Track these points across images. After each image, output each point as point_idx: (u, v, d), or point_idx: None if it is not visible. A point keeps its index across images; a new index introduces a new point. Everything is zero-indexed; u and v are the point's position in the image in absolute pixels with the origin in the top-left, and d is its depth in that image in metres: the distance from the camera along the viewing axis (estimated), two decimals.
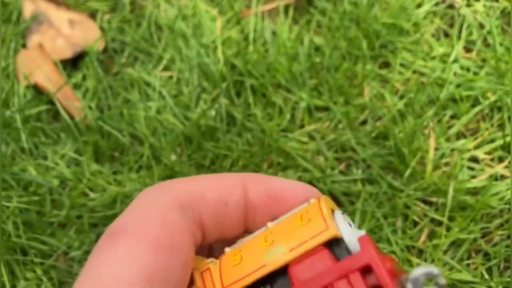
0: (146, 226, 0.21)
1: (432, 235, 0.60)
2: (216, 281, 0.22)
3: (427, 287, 0.20)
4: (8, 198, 0.61)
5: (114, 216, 0.61)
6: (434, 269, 0.20)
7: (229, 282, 0.22)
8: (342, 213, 0.23)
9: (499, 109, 0.68)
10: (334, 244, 0.21)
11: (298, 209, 0.23)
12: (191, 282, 0.22)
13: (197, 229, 0.22)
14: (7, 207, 0.60)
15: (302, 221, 0.22)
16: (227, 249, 0.23)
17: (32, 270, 0.58)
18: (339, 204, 0.62)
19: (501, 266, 0.58)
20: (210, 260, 0.23)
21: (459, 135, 0.67)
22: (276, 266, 0.21)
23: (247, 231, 0.24)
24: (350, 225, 0.22)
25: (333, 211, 0.23)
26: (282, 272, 0.21)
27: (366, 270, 0.20)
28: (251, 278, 0.21)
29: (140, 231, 0.21)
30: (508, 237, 0.59)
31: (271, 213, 0.24)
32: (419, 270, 0.20)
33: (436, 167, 0.64)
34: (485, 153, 0.65)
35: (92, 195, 0.63)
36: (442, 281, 0.20)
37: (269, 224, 0.23)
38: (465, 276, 0.57)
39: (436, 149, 0.65)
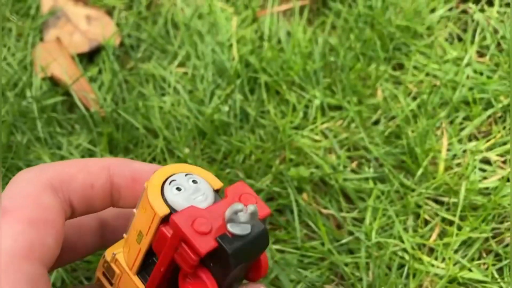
0: (24, 206, 0.25)
1: (443, 234, 0.60)
2: (124, 265, 0.30)
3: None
4: None
5: None
6: (237, 205, 0.25)
7: (130, 264, 0.29)
8: (171, 182, 0.27)
9: None
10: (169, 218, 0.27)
11: (140, 198, 0.28)
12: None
13: (67, 207, 0.27)
14: None
15: (144, 210, 0.27)
16: (124, 237, 0.31)
17: None
18: (350, 201, 0.62)
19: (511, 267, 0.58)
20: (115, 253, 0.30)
21: (471, 137, 0.68)
22: (146, 249, 0.28)
23: (115, 206, 0.31)
24: (180, 189, 0.27)
25: (165, 182, 0.27)
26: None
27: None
28: (139, 259, 0.29)
29: (19, 210, 0.24)
30: None
31: (135, 193, 0.29)
32: (227, 212, 0.26)
33: (448, 167, 0.64)
34: (497, 155, 0.66)
35: None
36: (250, 209, 0.25)
37: (134, 211, 0.29)
38: (476, 275, 0.57)
39: (448, 149, 0.66)
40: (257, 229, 0.26)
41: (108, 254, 0.30)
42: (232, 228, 0.25)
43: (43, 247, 0.24)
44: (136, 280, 0.29)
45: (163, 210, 0.27)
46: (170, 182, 0.27)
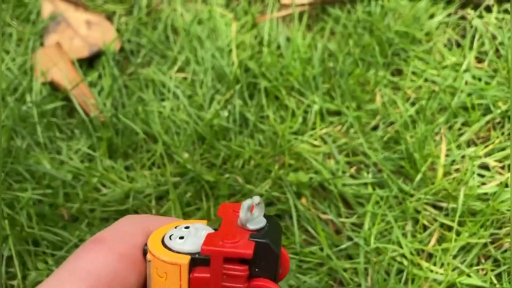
0: (120, 241, 0.27)
1: (442, 240, 0.60)
2: None
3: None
4: (22, 190, 0.62)
5: (126, 210, 0.61)
6: (247, 202, 0.26)
7: None
8: (170, 237, 0.28)
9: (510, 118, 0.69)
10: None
11: (149, 273, 0.28)
12: None
13: None
14: (22, 198, 0.60)
15: (164, 277, 0.27)
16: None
17: (43, 261, 0.58)
18: (349, 206, 0.63)
19: (511, 272, 0.58)
20: None
21: (470, 143, 0.68)
22: None
23: None
24: (182, 237, 0.28)
25: (163, 239, 0.28)
26: None
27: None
28: None
29: (115, 243, 0.27)
30: None
31: None
32: (242, 214, 0.27)
33: (446, 173, 0.64)
34: (496, 161, 0.66)
35: (104, 190, 0.63)
36: (257, 201, 0.27)
37: None
38: (475, 281, 0.57)
39: (447, 155, 0.66)
40: (268, 217, 0.27)
41: None
42: (253, 226, 0.26)
43: (124, 280, 0.26)
44: None
45: (185, 258, 0.26)
46: (170, 237, 0.28)
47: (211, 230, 0.28)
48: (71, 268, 0.26)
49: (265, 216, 0.28)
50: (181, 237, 0.27)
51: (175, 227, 0.28)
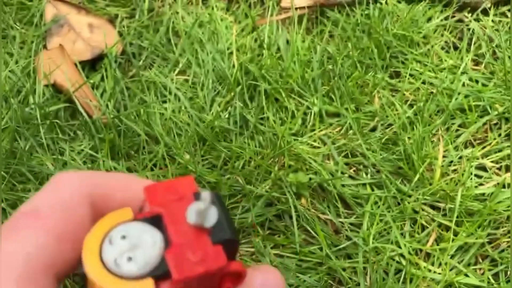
0: (57, 215, 0.22)
1: (439, 240, 0.61)
2: None
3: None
4: (26, 190, 0.63)
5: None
6: (200, 204, 0.22)
7: None
8: (111, 257, 0.22)
9: (507, 120, 0.70)
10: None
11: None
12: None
13: (94, 222, 0.24)
14: (25, 198, 0.61)
15: None
16: None
17: None
18: (348, 207, 0.63)
19: (508, 272, 0.59)
20: None
21: (467, 144, 0.69)
22: None
23: None
24: (124, 236, 0.22)
25: (102, 243, 0.23)
26: None
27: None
28: None
29: (51, 218, 0.22)
30: None
31: None
32: (196, 216, 0.22)
33: (444, 174, 0.65)
34: (493, 162, 0.67)
35: None
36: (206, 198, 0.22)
37: None
38: (473, 280, 0.58)
39: (444, 156, 0.67)
40: (215, 200, 0.23)
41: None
42: (209, 223, 0.22)
43: (64, 263, 0.22)
44: None
45: (148, 284, 0.22)
46: (115, 260, 0.22)
47: (152, 232, 0.23)
48: (3, 248, 0.21)
49: (210, 197, 0.23)
50: (129, 258, 0.22)
51: (108, 240, 0.22)
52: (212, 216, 0.22)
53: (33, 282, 0.21)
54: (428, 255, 0.60)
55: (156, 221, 0.23)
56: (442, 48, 0.78)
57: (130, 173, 0.24)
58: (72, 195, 0.23)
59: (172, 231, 0.23)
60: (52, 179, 0.24)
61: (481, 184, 0.65)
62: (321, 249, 0.59)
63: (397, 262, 0.59)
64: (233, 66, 0.74)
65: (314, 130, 0.69)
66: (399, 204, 0.63)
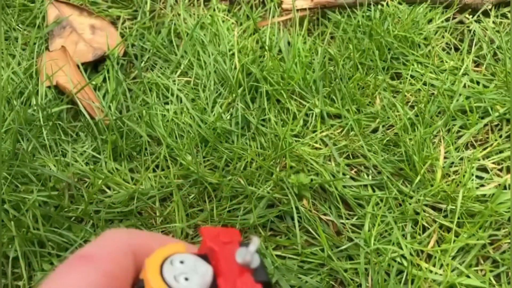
0: (107, 259, 0.27)
1: (441, 241, 0.61)
2: None
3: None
4: (28, 192, 0.63)
5: (130, 212, 0.62)
6: (252, 247, 0.26)
7: None
8: (170, 274, 0.27)
9: (508, 121, 0.70)
10: None
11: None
12: None
13: (135, 275, 0.29)
14: (28, 199, 0.61)
15: None
16: None
17: (49, 262, 0.59)
18: (349, 208, 0.64)
19: (509, 273, 0.59)
20: None
21: (468, 145, 0.69)
22: None
23: None
24: (182, 261, 0.27)
25: (165, 259, 0.27)
26: None
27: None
28: None
29: (102, 262, 0.26)
30: None
31: None
32: (247, 256, 0.27)
33: (445, 175, 0.65)
34: (494, 163, 0.67)
35: (109, 192, 0.64)
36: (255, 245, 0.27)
37: None
38: (474, 281, 0.58)
39: (445, 157, 0.67)
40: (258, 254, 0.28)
41: None
42: (254, 265, 0.27)
43: None
44: None
45: None
46: (174, 277, 0.27)
47: (204, 264, 0.27)
48: (59, 282, 0.26)
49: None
50: (186, 278, 0.26)
51: (170, 262, 0.27)
52: (256, 260, 0.27)
53: None
54: (429, 256, 0.60)
55: (204, 257, 0.28)
56: (443, 50, 0.78)
57: (167, 236, 0.31)
58: (121, 247, 0.28)
59: (223, 265, 0.27)
60: (104, 233, 0.29)
61: (482, 185, 0.65)
62: (322, 250, 0.60)
63: (399, 263, 0.59)
64: (235, 67, 0.75)
65: (315, 131, 0.69)
66: (400, 205, 0.63)
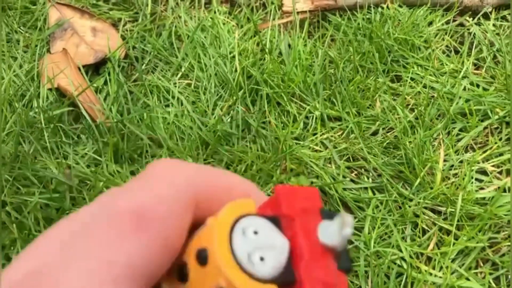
0: (168, 225, 0.21)
1: (440, 243, 0.61)
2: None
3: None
4: (30, 194, 0.63)
5: None
6: (350, 218, 0.20)
7: None
8: (243, 251, 0.21)
9: (508, 124, 0.70)
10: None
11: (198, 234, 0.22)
12: None
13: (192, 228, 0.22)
14: (29, 202, 0.62)
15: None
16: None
17: None
18: (349, 211, 0.64)
19: (509, 276, 0.59)
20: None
21: (468, 148, 0.69)
22: None
23: None
24: (256, 232, 0.21)
25: (234, 224, 0.22)
26: None
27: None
28: None
29: (162, 229, 0.21)
30: None
31: None
32: (339, 235, 0.21)
33: (445, 178, 0.66)
34: (493, 166, 0.67)
35: None
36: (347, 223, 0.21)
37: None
38: (473, 284, 0.58)
39: (445, 160, 0.67)
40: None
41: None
42: (340, 247, 0.22)
43: (160, 272, 0.21)
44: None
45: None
46: (249, 256, 0.21)
47: (279, 235, 0.22)
48: (107, 257, 0.20)
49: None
50: (261, 258, 0.21)
51: (242, 231, 0.21)
52: (344, 242, 0.21)
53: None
54: (429, 259, 0.60)
55: (275, 221, 0.22)
56: (443, 52, 0.78)
57: (230, 172, 0.23)
58: (183, 197, 0.21)
59: (303, 245, 0.21)
60: (153, 169, 0.22)
61: (481, 188, 0.65)
62: None
63: (399, 265, 0.59)
64: (235, 70, 0.75)
65: (315, 134, 0.70)
66: (400, 208, 0.63)
